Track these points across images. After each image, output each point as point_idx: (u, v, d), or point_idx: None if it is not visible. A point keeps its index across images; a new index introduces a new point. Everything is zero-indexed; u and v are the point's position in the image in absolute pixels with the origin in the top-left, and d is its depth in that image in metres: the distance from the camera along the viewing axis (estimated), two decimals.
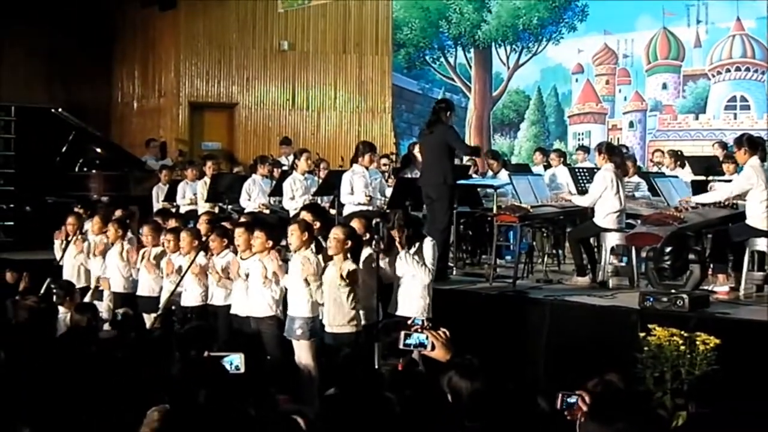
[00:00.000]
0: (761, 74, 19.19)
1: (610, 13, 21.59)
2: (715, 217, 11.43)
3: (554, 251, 14.19)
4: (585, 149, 17.97)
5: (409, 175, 13.81)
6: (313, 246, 9.47)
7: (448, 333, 6.08)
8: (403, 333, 6.25)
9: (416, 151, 13.92)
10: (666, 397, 8.23)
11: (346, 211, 12.91)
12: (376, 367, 7.22)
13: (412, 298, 9.21)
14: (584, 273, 11.90)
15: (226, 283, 10.26)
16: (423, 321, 8.18)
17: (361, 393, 6.04)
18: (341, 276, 8.90)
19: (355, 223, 9.80)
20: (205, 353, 6.27)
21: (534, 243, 14.33)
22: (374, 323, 8.98)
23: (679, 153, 16.41)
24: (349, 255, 9.01)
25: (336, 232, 9.09)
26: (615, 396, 5.26)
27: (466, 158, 15.12)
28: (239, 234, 10.14)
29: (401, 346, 6.29)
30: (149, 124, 22.54)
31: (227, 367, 5.70)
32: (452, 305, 10.84)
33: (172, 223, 12.13)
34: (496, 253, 12.84)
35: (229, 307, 10.25)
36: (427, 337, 6.13)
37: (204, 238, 10.88)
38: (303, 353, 9.16)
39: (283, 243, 10.07)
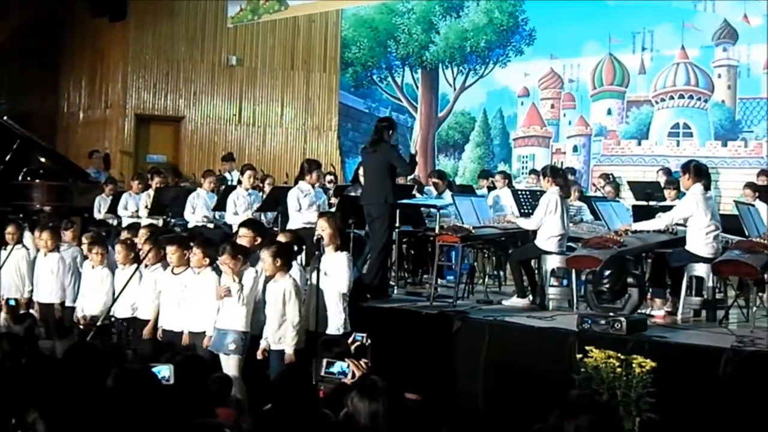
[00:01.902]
0: (704, 102, 19.40)
1: (557, 38, 21.74)
2: (654, 242, 11.55)
3: (495, 272, 14.27)
4: (537, 173, 18.01)
5: (354, 194, 13.85)
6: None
7: (369, 363, 6.13)
8: (325, 361, 6.29)
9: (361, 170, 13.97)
10: None
11: (289, 228, 12.89)
12: (313, 383, 7.21)
13: (330, 314, 9.21)
14: (524, 294, 11.98)
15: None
16: (363, 338, 8.24)
17: (296, 410, 6.05)
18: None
19: (282, 238, 9.88)
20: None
21: (475, 264, 14.40)
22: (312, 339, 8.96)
23: (614, 180, 16.54)
24: (287, 268, 9.05)
25: (264, 255, 9.11)
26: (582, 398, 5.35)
27: (409, 177, 15.16)
28: (172, 251, 10.12)
29: (323, 374, 6.33)
30: (95, 135, 22.45)
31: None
32: (392, 324, 10.90)
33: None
34: (438, 273, 12.91)
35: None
36: (348, 366, 6.18)
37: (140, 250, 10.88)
38: (231, 368, 9.10)
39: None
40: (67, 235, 12.54)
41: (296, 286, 9.03)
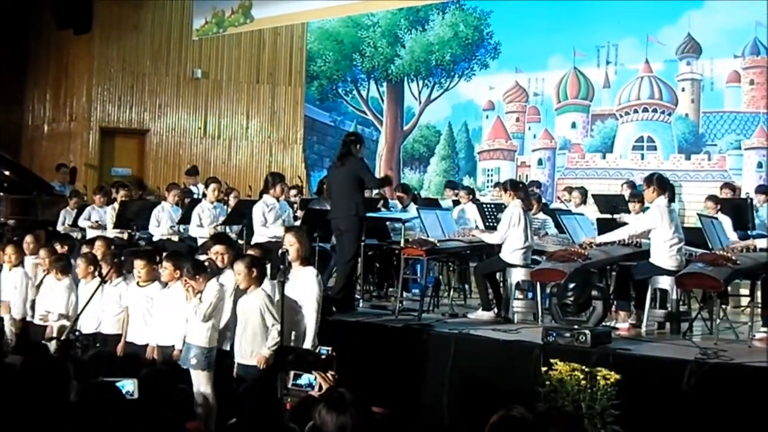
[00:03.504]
0: (668, 115, 19.51)
1: (521, 52, 21.81)
2: (618, 255, 11.59)
3: (460, 285, 14.29)
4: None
5: (318, 207, 13.85)
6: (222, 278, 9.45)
7: (336, 376, 6.12)
8: (292, 373, 6.27)
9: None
10: None
11: (255, 242, 12.87)
12: (279, 396, 7.19)
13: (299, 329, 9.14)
14: (489, 307, 12.00)
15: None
16: (328, 351, 8.22)
17: (262, 423, 6.04)
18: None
19: (251, 253, 9.88)
20: (99, 379, 6.24)
21: (440, 277, 14.42)
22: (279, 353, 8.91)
23: (583, 189, 16.57)
24: (260, 281, 8.99)
25: (239, 267, 9.04)
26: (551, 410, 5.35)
27: (375, 191, 15.16)
28: (141, 265, 10.08)
29: (290, 386, 6.32)
30: (59, 148, 22.32)
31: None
32: (358, 337, 10.89)
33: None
34: (403, 286, 12.92)
35: (119, 336, 10.20)
36: (315, 378, 6.17)
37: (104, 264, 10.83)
38: (201, 383, 9.05)
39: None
40: (32, 249, 12.49)
41: (270, 297, 8.96)
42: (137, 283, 10.10)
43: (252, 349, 8.90)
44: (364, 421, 5.30)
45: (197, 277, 9.20)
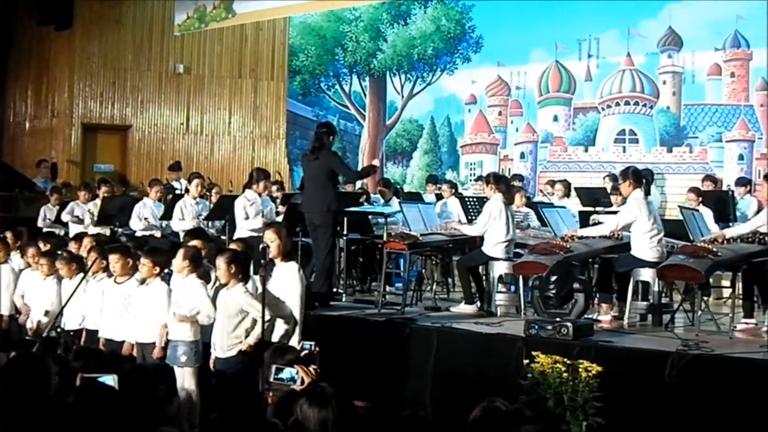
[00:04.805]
0: (649, 108, 19.54)
1: (503, 46, 21.82)
2: (600, 248, 11.62)
3: (443, 279, 14.30)
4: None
5: (300, 202, 13.85)
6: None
7: (318, 371, 6.12)
8: (275, 367, 6.27)
9: None
10: None
11: (237, 236, 12.87)
12: (260, 391, 7.19)
13: (280, 324, 9.12)
14: (472, 301, 12.02)
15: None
16: (311, 346, 8.23)
17: (243, 418, 6.03)
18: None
19: (233, 247, 9.87)
20: (79, 375, 6.22)
21: (423, 271, 14.44)
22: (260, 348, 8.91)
23: (566, 182, 16.58)
24: (241, 276, 8.98)
25: (219, 263, 9.03)
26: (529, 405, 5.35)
27: (358, 185, 15.17)
28: (115, 260, 10.04)
29: (272, 380, 6.31)
30: (41, 145, 22.28)
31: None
32: (340, 331, 10.89)
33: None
34: (386, 280, 12.93)
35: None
36: (297, 372, 6.17)
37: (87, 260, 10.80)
38: (187, 379, 9.03)
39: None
40: (13, 246, 12.50)
41: (250, 291, 8.96)
42: (114, 279, 10.06)
43: (231, 342, 8.90)
44: (345, 416, 5.30)
45: (192, 265, 9.23)
